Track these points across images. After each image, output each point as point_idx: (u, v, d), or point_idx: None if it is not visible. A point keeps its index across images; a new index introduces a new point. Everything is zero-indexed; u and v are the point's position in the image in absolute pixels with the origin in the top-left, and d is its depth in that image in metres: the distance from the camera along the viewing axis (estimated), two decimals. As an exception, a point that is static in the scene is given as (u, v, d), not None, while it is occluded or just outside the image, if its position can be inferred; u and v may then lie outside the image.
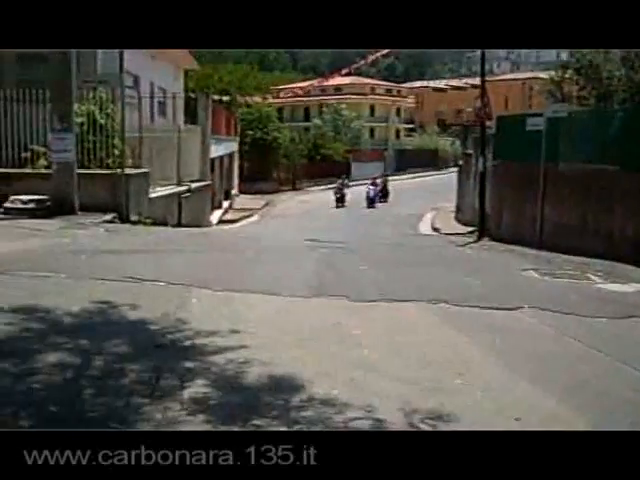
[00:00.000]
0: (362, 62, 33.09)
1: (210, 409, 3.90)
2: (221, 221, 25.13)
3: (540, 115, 14.48)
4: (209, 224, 21.97)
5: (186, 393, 4.10)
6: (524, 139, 14.77)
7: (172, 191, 17.81)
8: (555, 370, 5.10)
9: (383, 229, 22.45)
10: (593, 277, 9.67)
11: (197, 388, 4.19)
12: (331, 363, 4.86)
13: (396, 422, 3.85)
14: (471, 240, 15.54)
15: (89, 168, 14.11)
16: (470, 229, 17.91)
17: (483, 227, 16.30)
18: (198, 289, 7.08)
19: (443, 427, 3.83)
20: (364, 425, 3.78)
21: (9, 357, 4.49)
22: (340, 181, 38.86)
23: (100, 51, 17.52)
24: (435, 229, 21.57)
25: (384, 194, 38.69)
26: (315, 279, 8.20)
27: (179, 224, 17.26)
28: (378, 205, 35.80)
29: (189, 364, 4.61)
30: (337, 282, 8.11)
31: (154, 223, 14.52)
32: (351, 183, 41.81)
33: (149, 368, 4.48)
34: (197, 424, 3.66)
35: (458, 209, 24.14)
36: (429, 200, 33.47)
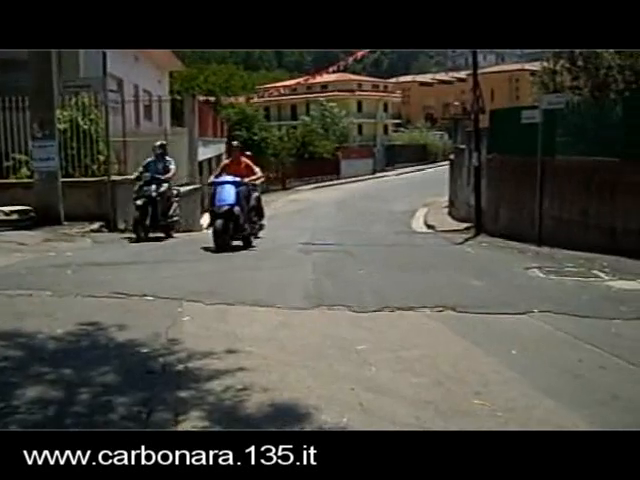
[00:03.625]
0: (349, 59, 32.50)
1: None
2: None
3: (535, 107, 14.12)
4: (200, 228, 21.52)
5: (180, 428, 3.71)
6: (519, 132, 14.42)
7: (160, 196, 17.36)
8: (579, 383, 4.74)
9: (377, 228, 22.02)
10: (600, 274, 9.33)
11: (192, 422, 3.80)
12: (338, 385, 4.47)
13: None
14: (468, 237, 15.16)
15: (73, 176, 13.71)
16: (466, 225, 17.54)
17: (480, 223, 15.96)
18: (190, 303, 6.71)
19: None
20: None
21: (-16, 393, 4.09)
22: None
23: (82, 54, 17.10)
24: (430, 226, 21.16)
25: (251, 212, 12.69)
26: (313, 287, 7.82)
27: (168, 230, 16.80)
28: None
29: (183, 393, 4.23)
30: (337, 290, 7.71)
31: (143, 230, 14.09)
32: (334, 182, 37.41)
33: (140, 400, 4.08)
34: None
35: (451, 204, 23.78)
36: (420, 196, 33.05)
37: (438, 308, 6.78)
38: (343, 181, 49.29)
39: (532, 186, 13.84)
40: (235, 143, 14.70)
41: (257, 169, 12.92)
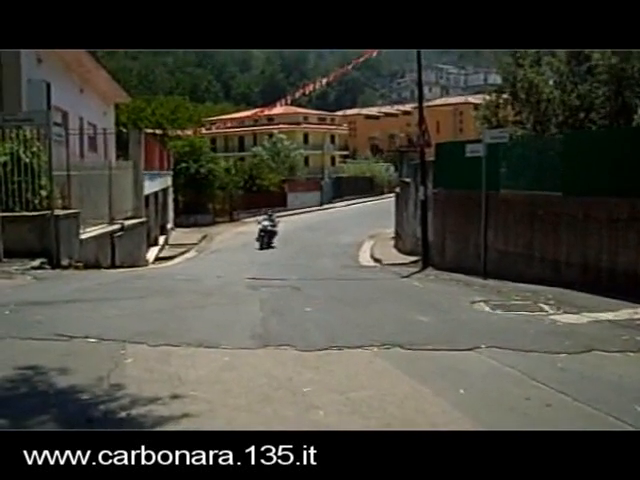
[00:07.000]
0: (297, 92, 32.67)
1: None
2: (158, 258, 24.38)
3: (479, 141, 14.36)
4: (145, 263, 21.26)
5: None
6: (464, 166, 14.64)
7: (104, 230, 17.11)
8: (527, 423, 4.73)
9: (324, 261, 22.04)
10: (545, 307, 9.45)
11: (135, 474, 3.67)
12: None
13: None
14: (415, 270, 15.26)
15: (14, 210, 13.39)
16: (412, 258, 17.68)
17: (426, 256, 16.08)
18: (134, 345, 6.54)
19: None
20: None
21: None
22: None
23: (24, 85, 16.90)
24: (377, 260, 21.26)
25: None
26: (260, 326, 7.72)
27: (113, 265, 16.57)
28: None
29: (125, 443, 4.08)
30: (284, 328, 7.64)
31: (86, 266, 13.86)
32: (282, 214, 37.96)
33: (79, 451, 3.93)
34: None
35: (398, 237, 23.96)
36: (366, 228, 33.36)
37: (385, 346, 6.76)
38: (291, 212, 49.40)
39: (477, 219, 14.04)
40: None
41: None
